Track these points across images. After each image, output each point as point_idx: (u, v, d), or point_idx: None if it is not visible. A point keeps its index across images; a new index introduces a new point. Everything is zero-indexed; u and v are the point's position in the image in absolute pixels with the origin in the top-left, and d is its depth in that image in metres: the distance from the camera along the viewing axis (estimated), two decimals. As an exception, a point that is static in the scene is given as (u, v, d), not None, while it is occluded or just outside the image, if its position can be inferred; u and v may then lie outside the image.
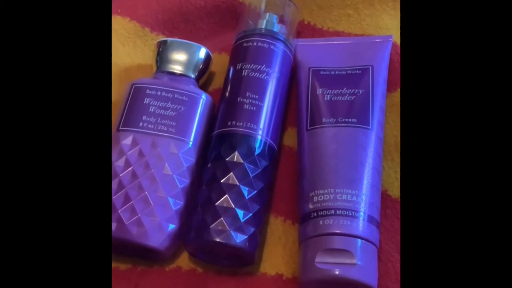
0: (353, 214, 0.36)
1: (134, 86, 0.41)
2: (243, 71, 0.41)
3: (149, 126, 0.39)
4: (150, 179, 0.37)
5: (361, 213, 0.36)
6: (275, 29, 0.42)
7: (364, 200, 0.36)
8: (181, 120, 0.39)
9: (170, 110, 0.39)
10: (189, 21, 0.48)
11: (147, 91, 0.40)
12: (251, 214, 0.37)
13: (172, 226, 0.37)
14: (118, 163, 0.38)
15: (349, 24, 0.47)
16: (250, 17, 0.44)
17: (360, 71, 0.41)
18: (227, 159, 0.38)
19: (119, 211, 0.36)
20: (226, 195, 0.36)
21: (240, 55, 0.42)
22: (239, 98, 0.40)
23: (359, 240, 0.35)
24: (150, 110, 0.39)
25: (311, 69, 0.42)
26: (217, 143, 0.39)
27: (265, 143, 0.39)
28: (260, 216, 0.37)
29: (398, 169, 0.40)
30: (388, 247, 0.38)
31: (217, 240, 0.35)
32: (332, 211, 0.36)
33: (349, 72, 0.42)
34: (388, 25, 0.46)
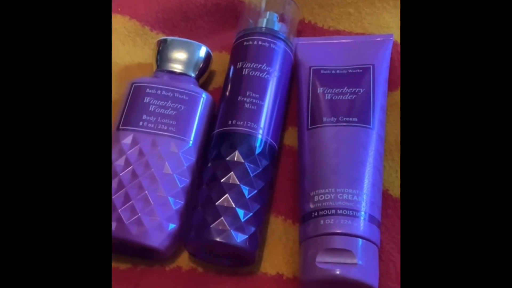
0: (354, 214, 0.36)
1: (134, 85, 0.40)
2: (244, 70, 0.41)
3: (149, 125, 0.39)
4: (150, 178, 0.37)
5: (362, 213, 0.36)
6: (276, 28, 0.42)
7: (365, 199, 0.36)
8: (181, 119, 0.39)
9: (170, 109, 0.39)
10: (189, 20, 0.48)
11: (147, 90, 0.40)
12: (251, 214, 0.36)
13: (172, 226, 0.37)
14: (118, 162, 0.38)
15: (350, 23, 0.47)
16: (251, 16, 0.44)
17: (361, 70, 0.41)
18: (227, 159, 0.38)
19: (119, 210, 0.36)
20: (227, 195, 0.36)
21: (241, 54, 0.42)
22: (239, 97, 0.40)
23: (360, 239, 0.35)
24: (150, 109, 0.39)
25: (311, 68, 0.42)
26: (217, 142, 0.39)
27: (265, 142, 0.39)
28: (260, 215, 0.37)
29: (399, 169, 0.40)
30: (389, 246, 0.38)
31: (218, 239, 0.35)
32: (333, 211, 0.36)
33: (350, 71, 0.41)
34: (389, 24, 0.46)
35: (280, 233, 0.39)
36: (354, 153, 0.38)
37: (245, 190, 0.37)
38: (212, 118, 0.41)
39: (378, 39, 0.44)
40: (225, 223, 0.36)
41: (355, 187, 0.37)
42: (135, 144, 0.38)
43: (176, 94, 0.40)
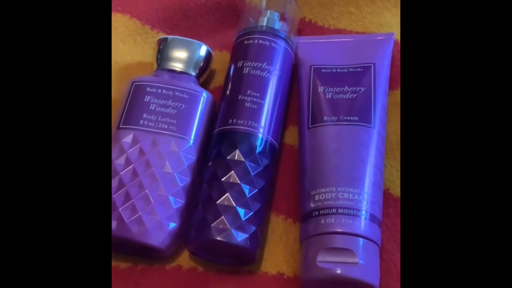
0: (355, 213, 0.36)
1: (134, 83, 0.40)
2: (244, 68, 0.40)
3: (150, 124, 0.39)
4: (151, 177, 0.37)
5: (363, 212, 0.36)
6: (276, 27, 0.42)
7: (366, 198, 0.36)
8: (182, 118, 0.39)
9: (170, 108, 0.39)
10: (189, 19, 0.47)
11: (148, 88, 0.40)
12: (252, 213, 0.36)
13: (172, 225, 0.37)
14: (118, 161, 0.38)
15: (351, 22, 0.47)
16: (251, 15, 0.44)
17: (361, 69, 0.41)
18: (228, 157, 0.37)
19: (120, 209, 0.36)
20: (227, 194, 0.36)
21: (241, 52, 0.41)
22: (240, 96, 0.39)
23: (361, 239, 0.35)
24: (150, 108, 0.39)
25: (312, 67, 0.42)
26: (218, 141, 0.39)
27: (266, 141, 0.39)
28: (261, 214, 0.37)
29: (400, 168, 0.40)
30: (390, 246, 0.38)
31: (218, 238, 0.35)
32: (334, 210, 0.36)
33: (350, 70, 0.41)
34: (389, 23, 0.46)
35: (281, 232, 0.39)
36: (355, 152, 0.38)
37: (246, 189, 0.37)
38: (212, 117, 0.41)
39: (379, 38, 0.44)
40: (226, 222, 0.36)
41: (356, 186, 0.36)
42: (135, 143, 0.38)
43: (177, 93, 0.40)
